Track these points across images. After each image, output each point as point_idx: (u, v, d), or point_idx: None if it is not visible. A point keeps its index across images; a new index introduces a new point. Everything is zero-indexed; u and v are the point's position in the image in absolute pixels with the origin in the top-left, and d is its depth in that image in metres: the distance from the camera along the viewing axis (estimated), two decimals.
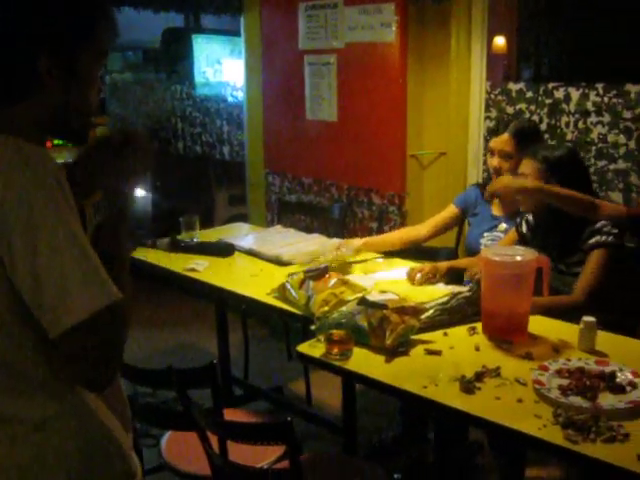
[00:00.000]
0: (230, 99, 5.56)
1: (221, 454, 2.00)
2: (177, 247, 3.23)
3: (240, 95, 5.18)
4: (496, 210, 3.09)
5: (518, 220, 2.84)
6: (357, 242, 3.11)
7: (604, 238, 2.51)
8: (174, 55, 6.41)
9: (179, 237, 3.32)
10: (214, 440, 2.00)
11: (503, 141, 2.91)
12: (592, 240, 2.52)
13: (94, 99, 1.29)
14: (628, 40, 4.72)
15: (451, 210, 3.22)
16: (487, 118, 3.78)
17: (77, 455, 1.21)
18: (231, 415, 2.23)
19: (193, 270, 2.97)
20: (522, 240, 2.79)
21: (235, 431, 1.92)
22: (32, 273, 1.09)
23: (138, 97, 6.36)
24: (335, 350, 2.07)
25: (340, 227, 3.90)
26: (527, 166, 2.65)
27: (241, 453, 2.03)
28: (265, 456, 2.25)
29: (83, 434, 1.22)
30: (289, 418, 1.72)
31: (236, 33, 4.95)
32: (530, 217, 2.80)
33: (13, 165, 1.12)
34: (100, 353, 1.15)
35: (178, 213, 3.49)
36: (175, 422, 2.23)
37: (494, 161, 2.93)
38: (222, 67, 5.76)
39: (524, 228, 2.81)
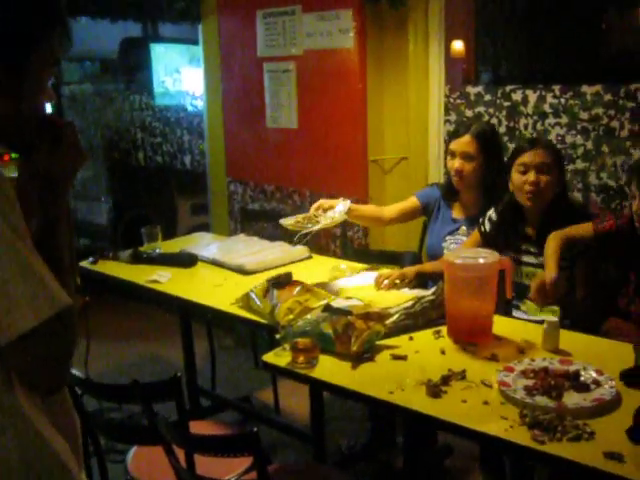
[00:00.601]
0: (190, 108, 5.52)
1: (188, 468, 1.97)
2: (139, 259, 3.19)
3: (200, 104, 5.15)
4: (456, 213, 3.10)
5: (480, 220, 2.86)
6: (334, 202, 3.01)
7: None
8: (132, 65, 6.36)
9: (141, 249, 3.28)
10: (181, 454, 1.97)
11: (465, 143, 2.89)
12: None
13: (42, 109, 1.25)
14: (583, 42, 4.79)
15: (413, 201, 3.18)
16: (447, 122, 3.80)
17: (22, 472, 1.18)
18: (198, 427, 2.20)
19: (156, 282, 2.94)
20: (485, 240, 2.80)
21: (201, 444, 1.89)
22: None
23: (97, 108, 6.29)
24: (301, 358, 2.06)
25: (304, 234, 3.88)
26: (536, 156, 2.68)
27: (209, 466, 2.00)
28: (233, 468, 2.23)
29: (24, 452, 1.18)
30: (255, 429, 1.70)
31: (195, 41, 4.92)
32: (492, 215, 2.81)
33: None
34: (51, 359, 1.14)
35: (140, 224, 3.45)
36: (140, 437, 2.19)
37: (455, 163, 2.91)
38: (181, 76, 5.72)
39: (487, 227, 2.82)
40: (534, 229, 2.73)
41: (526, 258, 2.74)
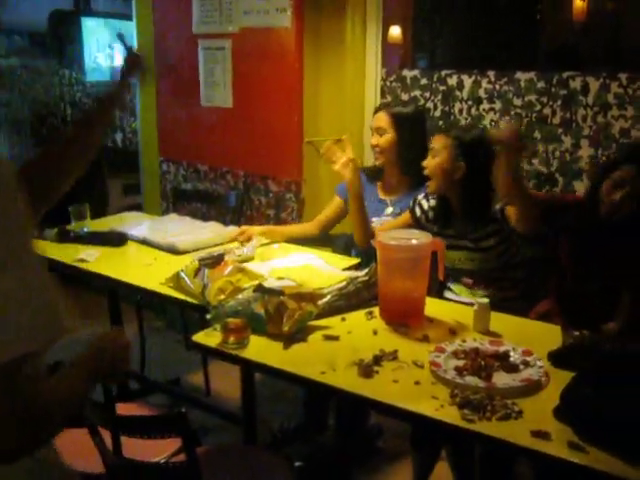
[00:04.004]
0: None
1: (114, 450, 1.91)
2: (66, 237, 3.10)
3: (132, 81, 5.02)
4: (382, 193, 3.11)
5: (411, 204, 2.88)
6: (257, 230, 3.06)
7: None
8: (63, 39, 6.15)
9: (68, 227, 3.18)
10: (107, 436, 1.91)
11: (378, 118, 3.04)
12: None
13: None
14: (518, 31, 4.86)
15: (336, 203, 3.21)
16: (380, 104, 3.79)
17: None
18: (125, 410, 2.14)
19: (83, 261, 2.85)
20: (417, 223, 2.82)
21: (127, 425, 1.84)
22: None
23: (24, 82, 6.07)
24: (231, 339, 2.02)
25: (237, 215, 3.84)
26: (438, 141, 2.72)
27: (136, 448, 1.95)
28: (161, 450, 2.18)
29: None
30: (183, 409, 1.66)
31: (127, 17, 4.79)
32: (424, 201, 2.83)
33: None
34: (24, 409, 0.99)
35: (68, 203, 3.33)
36: None
37: (373, 139, 3.03)
38: (113, 52, 5.57)
39: (418, 212, 2.84)
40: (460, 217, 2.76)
41: (461, 242, 2.76)
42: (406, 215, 2.89)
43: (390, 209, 3.03)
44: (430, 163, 2.72)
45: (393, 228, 2.81)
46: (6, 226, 1.00)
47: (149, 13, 4.34)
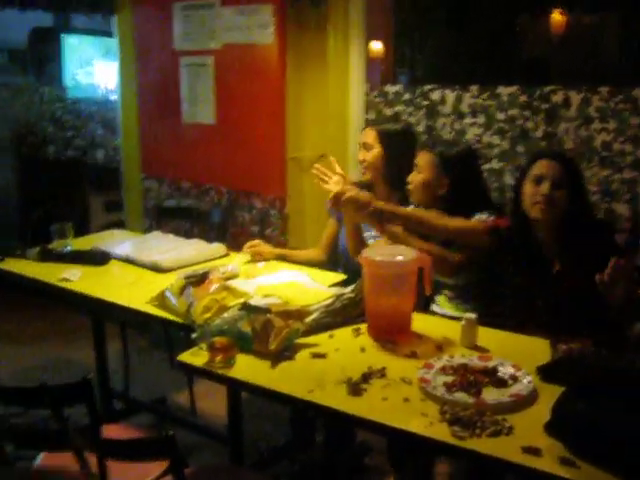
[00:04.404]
0: (103, 102, 5.35)
1: (100, 475, 1.88)
2: (48, 256, 3.06)
3: (114, 98, 5.00)
4: None
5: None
6: (268, 252, 3.06)
7: (485, 216, 2.59)
8: (43, 56, 6.12)
9: (50, 246, 3.14)
10: (93, 460, 1.88)
11: (365, 133, 3.04)
12: (475, 217, 2.60)
13: None
14: (499, 46, 4.90)
15: (331, 225, 3.20)
16: (366, 120, 3.79)
17: None
18: (110, 431, 2.11)
19: (66, 280, 2.82)
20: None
21: (114, 449, 1.81)
22: None
23: (4, 100, 6.02)
24: (218, 358, 2.00)
25: (221, 231, 3.82)
26: (423, 157, 2.71)
27: (122, 471, 1.92)
28: (148, 472, 2.14)
29: None
30: (171, 432, 1.64)
31: (109, 34, 4.78)
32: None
33: None
34: None
35: (51, 221, 3.30)
36: (49, 443, 2.08)
37: (360, 154, 3.04)
38: (94, 69, 5.54)
39: None
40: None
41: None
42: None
43: None
44: (414, 179, 2.72)
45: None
46: None
47: (130, 30, 4.33)
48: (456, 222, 2.54)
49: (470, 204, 2.65)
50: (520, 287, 2.50)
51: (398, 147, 2.95)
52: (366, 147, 3.01)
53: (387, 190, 3.03)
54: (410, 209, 2.75)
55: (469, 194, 2.67)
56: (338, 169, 2.91)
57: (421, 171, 2.71)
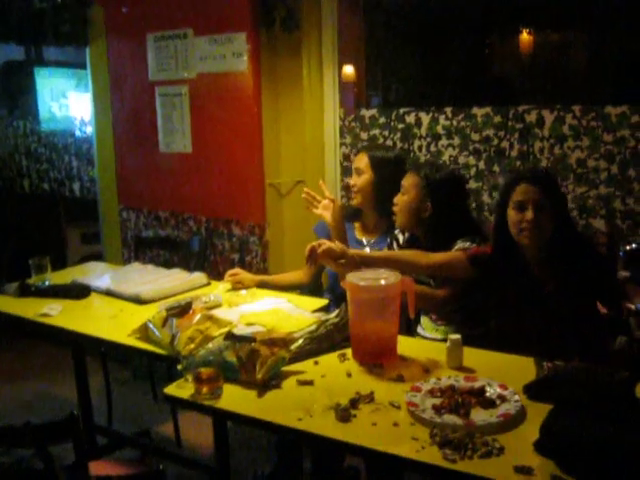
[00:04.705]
0: (78, 134, 5.33)
1: None
2: (27, 291, 3.02)
3: (89, 130, 4.98)
4: (359, 234, 3.12)
5: (388, 241, 2.89)
6: (249, 279, 3.03)
7: (467, 244, 2.59)
8: (15, 89, 6.09)
9: (29, 281, 3.11)
10: None
11: (358, 159, 3.06)
12: (457, 246, 2.60)
13: None
14: (468, 65, 4.95)
15: None
16: (342, 144, 3.82)
17: None
18: (97, 468, 2.08)
19: (46, 315, 2.78)
20: None
21: None
22: None
23: None
24: (204, 389, 1.98)
25: (200, 260, 3.81)
26: (408, 179, 2.74)
27: None
28: None
29: None
30: (160, 466, 1.62)
31: (81, 65, 4.77)
32: (400, 235, 2.85)
33: None
34: None
35: (27, 255, 3.27)
36: None
37: (351, 179, 3.06)
38: (68, 101, 5.52)
39: (394, 246, 2.85)
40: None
41: (424, 277, 2.77)
42: (384, 250, 2.90)
43: (367, 249, 3.03)
44: (399, 200, 2.75)
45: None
46: None
47: (104, 61, 4.34)
48: (437, 257, 2.54)
49: (453, 229, 2.66)
50: (508, 310, 2.50)
51: (389, 174, 2.94)
52: (357, 172, 3.02)
53: (375, 216, 3.03)
54: (386, 252, 2.76)
55: (452, 219, 2.69)
56: (327, 193, 2.92)
57: (405, 193, 2.73)
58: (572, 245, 2.40)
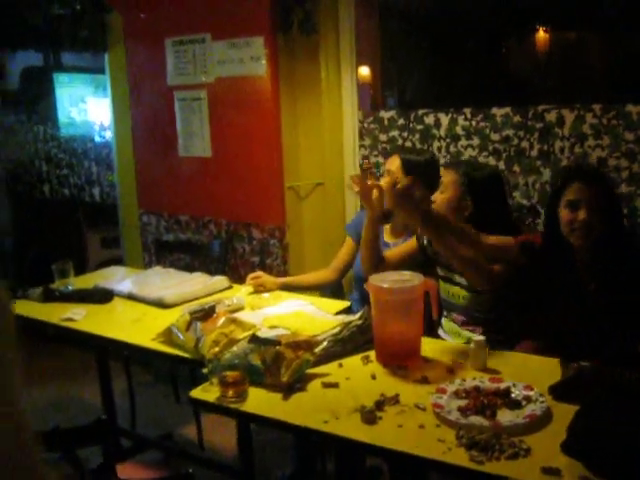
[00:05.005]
0: (98, 139, 5.37)
1: None
2: (51, 297, 3.06)
3: (108, 134, 5.02)
4: (387, 237, 3.11)
5: (420, 231, 2.86)
6: (271, 282, 3.05)
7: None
8: (35, 95, 6.14)
9: (52, 286, 3.14)
10: None
11: (390, 160, 3.05)
12: None
13: None
14: (487, 67, 4.94)
15: (349, 245, 3.22)
16: (361, 146, 3.82)
17: None
18: (124, 471, 2.10)
19: (70, 320, 2.81)
20: (422, 251, 2.82)
21: None
22: None
23: None
24: (230, 393, 1.99)
25: (221, 264, 3.83)
26: (447, 176, 2.70)
27: None
28: None
29: None
30: (190, 470, 1.63)
31: (99, 71, 4.80)
32: None
33: None
34: None
35: (47, 260, 3.30)
36: None
37: (383, 180, 2.97)
38: (87, 106, 5.57)
39: (425, 240, 2.83)
40: None
41: (456, 277, 2.75)
42: (412, 241, 2.89)
43: None
44: (437, 198, 2.69)
45: (400, 253, 2.86)
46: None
47: (123, 67, 4.36)
48: (490, 238, 2.52)
49: (494, 228, 2.64)
50: (548, 304, 2.49)
51: (420, 178, 2.88)
52: (389, 174, 2.99)
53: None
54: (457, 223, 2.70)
55: (493, 217, 2.65)
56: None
57: (445, 190, 2.69)
58: (619, 247, 2.39)
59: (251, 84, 3.72)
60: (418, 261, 2.84)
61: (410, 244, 2.90)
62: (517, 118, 3.29)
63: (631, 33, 3.73)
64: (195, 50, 3.90)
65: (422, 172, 2.92)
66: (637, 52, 3.68)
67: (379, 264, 2.73)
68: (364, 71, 4.31)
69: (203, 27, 3.85)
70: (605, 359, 2.04)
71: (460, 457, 1.65)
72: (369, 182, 2.61)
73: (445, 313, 2.79)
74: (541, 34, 5.48)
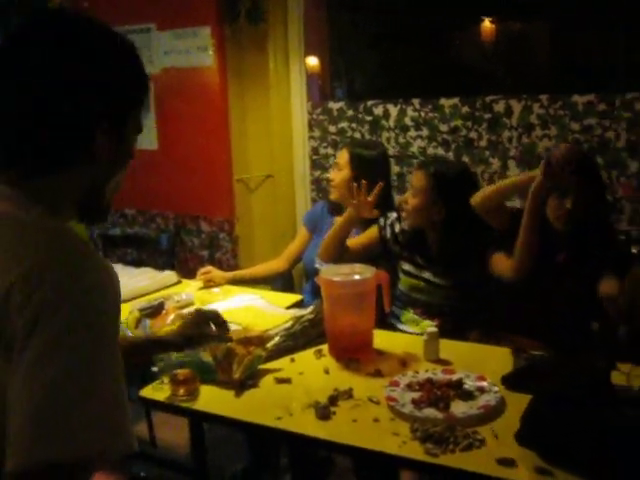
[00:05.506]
0: None
1: None
2: None
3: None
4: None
5: (382, 221, 2.85)
6: (220, 276, 3.00)
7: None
8: None
9: None
10: None
11: (339, 153, 3.02)
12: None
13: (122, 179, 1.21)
14: (433, 58, 4.96)
15: (303, 234, 3.18)
16: (311, 138, 3.80)
17: None
18: None
19: None
20: (384, 243, 2.81)
21: None
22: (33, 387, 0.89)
23: None
24: (181, 391, 1.95)
25: (170, 258, 3.76)
26: (418, 180, 2.67)
27: None
28: None
29: None
30: (142, 474, 1.59)
31: None
32: (397, 224, 2.80)
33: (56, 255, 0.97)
34: None
35: None
36: None
37: (331, 173, 3.03)
38: None
39: (387, 233, 2.81)
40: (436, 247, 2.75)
41: (422, 272, 2.76)
42: (372, 231, 2.87)
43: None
44: (409, 202, 2.67)
45: (361, 242, 2.84)
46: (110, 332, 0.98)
47: None
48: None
49: (469, 231, 2.63)
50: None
51: (368, 173, 2.82)
52: (337, 167, 2.97)
53: None
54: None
55: (468, 220, 2.61)
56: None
57: (416, 195, 2.65)
58: (596, 229, 2.45)
59: (198, 75, 3.66)
60: (377, 253, 2.83)
61: (370, 234, 2.87)
62: (465, 109, 3.31)
63: (576, 24, 3.78)
64: (140, 40, 3.81)
65: (371, 166, 2.91)
66: (582, 43, 3.73)
67: (342, 255, 2.76)
68: (312, 62, 4.28)
69: (147, 17, 3.77)
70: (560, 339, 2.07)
71: (415, 450, 1.64)
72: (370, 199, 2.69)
73: (401, 305, 2.79)
74: (487, 24, 5.52)
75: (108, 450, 0.93)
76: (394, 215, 2.82)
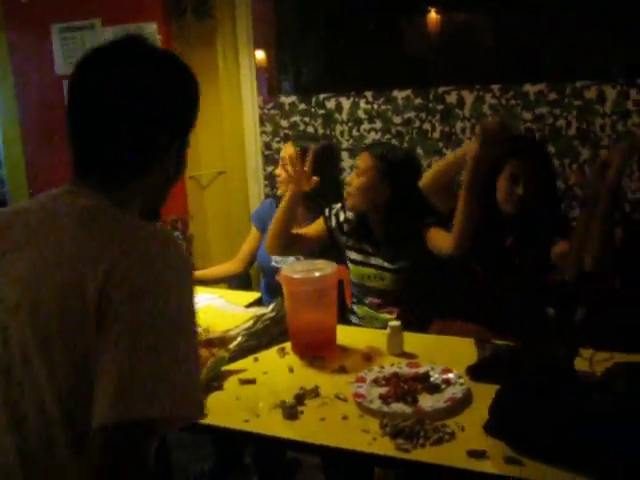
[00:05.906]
0: None
1: None
2: None
3: None
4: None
5: (327, 212, 2.82)
6: None
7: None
8: None
9: None
10: None
11: (284, 148, 2.97)
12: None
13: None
14: (382, 48, 4.96)
15: (254, 235, 3.13)
16: (262, 133, 3.76)
17: None
18: None
19: None
20: (330, 233, 2.78)
21: None
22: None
23: None
24: None
25: None
26: (363, 160, 2.64)
27: None
28: None
29: None
30: None
31: None
32: (341, 213, 2.78)
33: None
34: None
35: None
36: None
37: (277, 168, 2.97)
38: None
39: (333, 222, 2.79)
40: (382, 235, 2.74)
41: (371, 259, 2.74)
42: (319, 223, 2.84)
43: None
44: (353, 182, 2.63)
45: (308, 234, 2.81)
46: (188, 301, 1.13)
47: (5, 56, 4.11)
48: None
49: (412, 212, 2.62)
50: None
51: (316, 165, 2.75)
52: (283, 161, 2.89)
53: (303, 206, 2.91)
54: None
55: (412, 201, 2.61)
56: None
57: (361, 174, 2.62)
58: (547, 216, 2.47)
59: None
60: (326, 245, 2.81)
61: (317, 226, 2.84)
62: (418, 100, 3.31)
63: (524, 13, 3.81)
64: (84, 37, 3.72)
65: (318, 160, 2.85)
66: (531, 32, 3.75)
67: (291, 244, 2.73)
68: (259, 55, 4.25)
69: (92, 12, 3.68)
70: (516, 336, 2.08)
71: (386, 447, 1.63)
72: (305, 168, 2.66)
73: (356, 300, 2.77)
74: (433, 15, 5.54)
75: (185, 414, 1.05)
76: (338, 205, 2.79)
